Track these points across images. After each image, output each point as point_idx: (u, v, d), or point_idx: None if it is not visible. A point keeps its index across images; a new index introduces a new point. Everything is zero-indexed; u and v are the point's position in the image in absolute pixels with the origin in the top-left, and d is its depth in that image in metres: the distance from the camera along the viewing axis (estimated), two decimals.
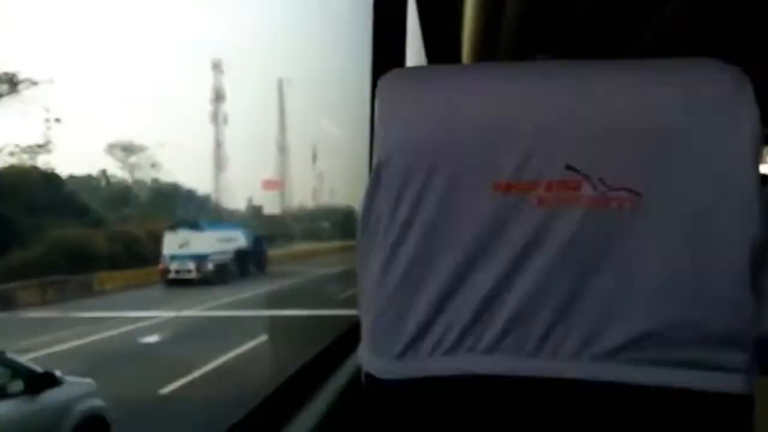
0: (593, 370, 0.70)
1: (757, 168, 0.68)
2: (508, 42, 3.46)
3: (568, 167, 0.70)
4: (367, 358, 0.77)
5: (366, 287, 0.77)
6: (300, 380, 1.52)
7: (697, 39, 2.82)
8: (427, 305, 0.73)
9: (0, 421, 3.67)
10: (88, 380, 4.40)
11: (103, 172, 17.00)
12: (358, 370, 0.80)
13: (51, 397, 3.95)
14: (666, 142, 0.69)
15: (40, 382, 4.00)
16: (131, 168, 17.23)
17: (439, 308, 0.73)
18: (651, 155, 0.69)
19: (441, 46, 3.64)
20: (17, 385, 3.87)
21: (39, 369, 4.18)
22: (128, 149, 17.19)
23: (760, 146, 0.69)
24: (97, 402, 4.20)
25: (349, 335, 1.84)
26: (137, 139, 16.85)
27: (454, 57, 3.70)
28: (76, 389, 4.25)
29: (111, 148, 16.87)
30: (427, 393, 0.73)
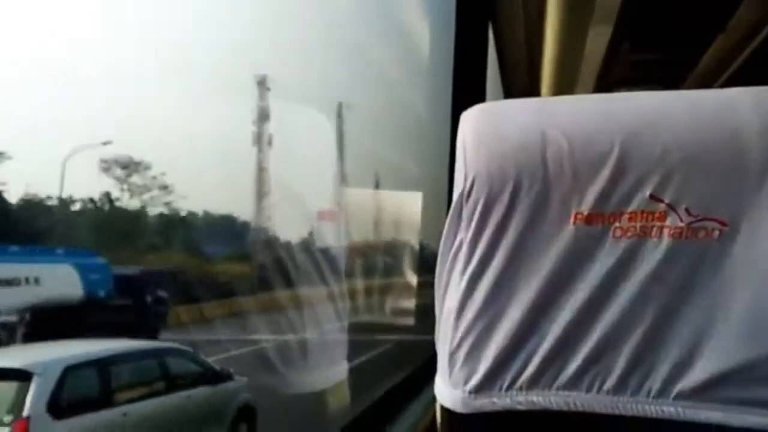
0: (678, 410, 0.67)
1: None
2: (588, 77, 3.47)
3: (653, 197, 0.69)
4: (443, 390, 0.76)
5: (443, 319, 0.77)
6: (377, 411, 1.54)
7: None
8: (505, 339, 0.72)
9: (196, 399, 5.24)
10: (244, 378, 5.86)
11: (107, 195, 14.24)
12: (434, 402, 0.80)
13: (224, 387, 5.55)
14: (754, 171, 0.68)
15: (218, 376, 5.60)
16: (135, 191, 14.64)
17: (518, 342, 0.72)
18: (738, 184, 0.68)
19: (519, 81, 3.69)
20: (205, 377, 5.48)
21: (217, 367, 5.83)
22: (129, 166, 14.67)
23: None
24: (249, 395, 5.79)
25: (426, 366, 1.85)
26: (147, 157, 14.20)
27: (532, 92, 3.73)
28: (239, 384, 5.76)
29: (108, 166, 14.15)
30: (504, 428, 0.73)
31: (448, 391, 0.75)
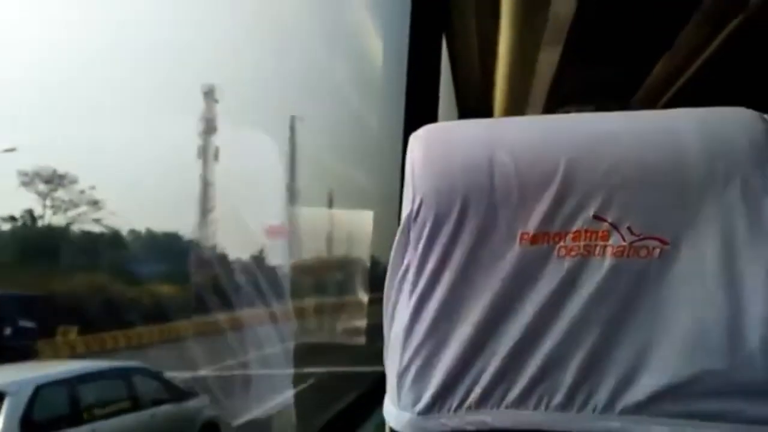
0: (623, 425, 0.68)
1: None
2: (540, 93, 3.52)
3: (596, 216, 0.70)
4: (392, 412, 0.76)
5: (392, 341, 0.77)
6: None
7: (722, 87, 2.84)
8: (453, 359, 0.72)
9: (161, 416, 5.52)
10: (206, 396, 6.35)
11: (29, 213, 12.63)
12: (383, 425, 0.79)
13: (188, 405, 5.93)
14: (695, 190, 0.69)
15: (181, 394, 5.99)
16: (60, 206, 12.97)
17: (465, 362, 0.72)
18: (680, 203, 0.69)
19: (473, 101, 3.71)
20: (169, 395, 5.81)
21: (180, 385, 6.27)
22: (53, 180, 12.92)
23: None
24: (213, 412, 6.23)
25: (375, 390, 1.83)
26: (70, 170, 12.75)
27: (485, 112, 3.76)
28: (203, 402, 6.20)
29: (29, 179, 12.46)
30: None
31: (397, 412, 0.75)
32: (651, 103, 3.21)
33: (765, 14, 2.37)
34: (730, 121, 0.73)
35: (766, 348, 0.66)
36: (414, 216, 0.74)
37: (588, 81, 3.07)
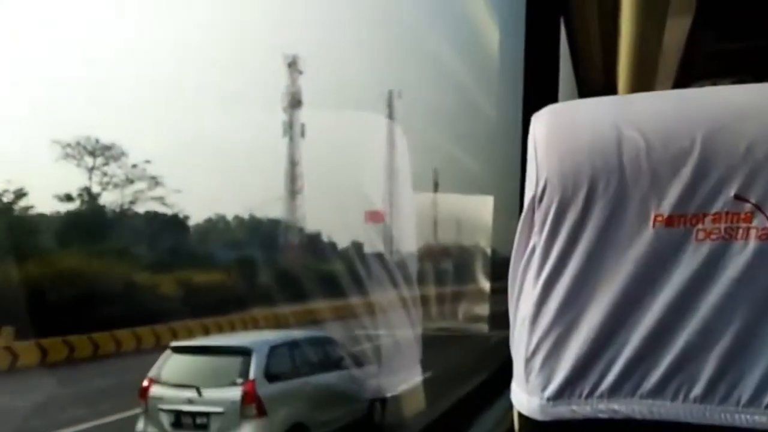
0: None
1: None
2: (668, 71, 3.33)
3: (738, 197, 0.66)
4: (520, 397, 0.75)
5: (518, 325, 0.76)
6: (451, 418, 1.54)
7: None
8: (583, 345, 0.70)
9: (347, 375, 6.87)
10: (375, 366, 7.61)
11: (87, 191, 10.66)
12: (510, 409, 0.79)
13: (366, 370, 7.25)
14: None
15: (359, 362, 7.27)
16: (115, 183, 11.08)
17: (597, 348, 0.70)
18: None
19: (594, 78, 3.58)
20: (351, 361, 7.07)
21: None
22: (98, 153, 10.96)
23: None
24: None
25: (501, 372, 1.84)
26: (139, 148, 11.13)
27: (608, 91, 3.61)
28: (373, 369, 7.51)
29: (73, 152, 10.59)
30: None
31: (526, 398, 0.74)
32: None
33: None
34: None
35: None
36: (539, 198, 0.73)
37: (722, 54, 2.87)
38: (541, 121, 0.77)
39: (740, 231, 0.66)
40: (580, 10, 2.72)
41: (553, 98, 1.93)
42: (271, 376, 5.87)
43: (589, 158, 0.71)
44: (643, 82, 3.39)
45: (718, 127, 0.68)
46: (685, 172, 0.68)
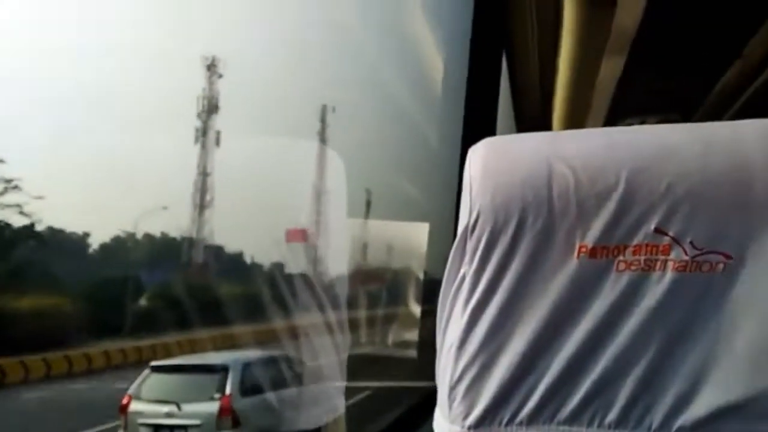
0: None
1: None
2: (601, 106, 3.46)
3: (657, 230, 0.69)
4: (442, 426, 0.76)
5: (444, 353, 0.76)
6: None
7: None
8: (506, 373, 0.71)
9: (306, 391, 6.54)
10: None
11: None
12: None
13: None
14: (760, 203, 0.67)
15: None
16: None
17: (519, 376, 0.71)
18: (743, 217, 0.68)
19: (532, 114, 3.68)
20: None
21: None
22: None
23: None
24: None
25: (425, 403, 1.83)
26: None
27: (544, 125, 3.72)
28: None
29: None
30: None
31: (447, 426, 0.74)
32: (718, 113, 3.11)
33: None
34: None
35: None
36: (471, 228, 0.74)
37: (651, 92, 3.00)
38: (477, 153, 0.79)
39: (659, 263, 0.69)
40: (522, 47, 2.80)
41: (491, 131, 1.96)
42: (244, 390, 6.40)
43: (521, 191, 0.73)
44: (577, 117, 3.50)
45: (642, 165, 0.71)
46: (610, 206, 0.70)
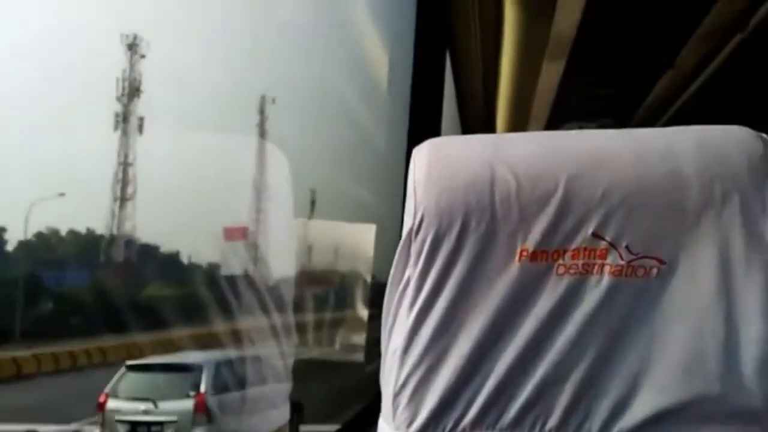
0: None
1: None
2: (542, 110, 3.54)
3: (595, 235, 0.70)
4: None
5: (389, 358, 0.76)
6: None
7: (722, 106, 2.86)
8: (450, 378, 0.71)
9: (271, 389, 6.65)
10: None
11: None
12: None
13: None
14: (693, 209, 0.69)
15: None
16: None
17: (462, 381, 0.71)
18: (678, 222, 0.69)
19: (476, 116, 3.73)
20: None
21: None
22: None
23: None
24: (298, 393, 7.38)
25: (371, 408, 1.82)
26: None
27: (488, 127, 3.78)
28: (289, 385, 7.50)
29: None
30: None
31: None
32: (652, 120, 3.23)
33: (764, 33, 2.40)
34: (728, 140, 0.73)
35: (762, 371, 0.66)
36: (415, 231, 0.74)
37: (590, 98, 3.10)
38: (421, 155, 0.79)
39: (596, 267, 0.70)
40: (465, 51, 2.83)
41: (435, 132, 1.98)
42: (216, 388, 6.56)
43: (464, 195, 0.74)
44: (519, 119, 3.57)
45: (580, 170, 0.72)
46: (549, 211, 0.71)
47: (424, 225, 0.74)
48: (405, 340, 0.74)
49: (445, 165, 0.78)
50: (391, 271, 0.77)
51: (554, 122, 3.59)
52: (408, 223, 0.75)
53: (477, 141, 0.82)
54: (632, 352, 0.69)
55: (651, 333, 0.69)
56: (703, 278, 0.68)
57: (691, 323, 0.68)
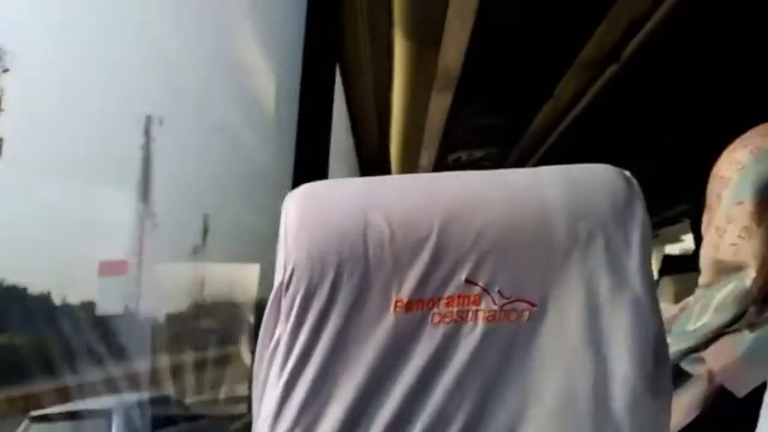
0: None
1: (650, 274, 0.70)
2: (433, 138, 3.61)
3: (468, 281, 0.69)
4: None
5: (260, 426, 0.72)
6: None
7: (598, 136, 3.03)
8: None
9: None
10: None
11: None
12: None
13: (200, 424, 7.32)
14: (560, 250, 0.69)
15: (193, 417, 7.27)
16: None
17: None
18: (547, 264, 0.69)
19: (371, 147, 3.74)
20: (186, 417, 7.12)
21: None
22: None
23: (650, 249, 0.71)
24: None
25: None
26: None
27: (382, 157, 3.81)
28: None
29: None
30: None
31: None
32: (533, 150, 3.38)
33: (636, 65, 2.55)
34: (594, 179, 0.74)
35: (632, 409, 0.67)
36: (285, 285, 0.70)
37: (478, 128, 3.19)
38: (293, 202, 0.75)
39: (470, 313, 0.69)
40: (357, 77, 2.83)
41: (322, 170, 1.94)
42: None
43: (337, 243, 0.71)
44: (412, 150, 3.63)
45: (453, 213, 0.71)
46: (423, 258, 0.69)
47: (294, 278, 0.70)
48: (276, 406, 0.69)
49: (317, 212, 0.74)
50: (261, 331, 0.72)
51: (445, 152, 3.68)
52: (278, 277, 0.71)
53: (352, 185, 0.80)
54: (509, 398, 0.68)
55: (526, 377, 0.69)
56: (572, 319, 0.68)
57: (563, 365, 0.68)
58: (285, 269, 0.71)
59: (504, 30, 2.33)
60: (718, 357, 0.93)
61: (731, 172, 0.98)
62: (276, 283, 0.71)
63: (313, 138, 1.94)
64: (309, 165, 1.84)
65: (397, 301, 0.69)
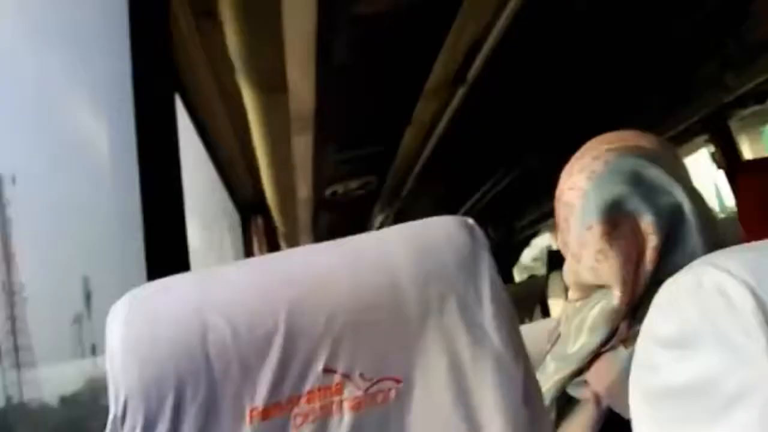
0: None
1: (507, 320, 0.68)
2: (305, 177, 3.57)
3: (326, 370, 0.64)
4: None
5: None
6: None
7: (459, 157, 3.11)
8: None
9: None
10: None
11: None
12: None
13: None
14: (416, 318, 0.66)
15: None
16: None
17: None
18: (404, 335, 0.66)
19: (246, 195, 3.63)
20: None
21: None
22: None
23: (504, 296, 0.69)
24: None
25: None
26: None
27: (261, 206, 3.72)
28: None
29: None
30: None
31: None
32: (406, 173, 3.43)
33: (481, 86, 2.63)
34: (437, 235, 0.71)
35: None
36: (120, 420, 0.61)
37: (345, 162, 3.19)
38: (117, 318, 0.65)
39: (334, 405, 0.63)
40: (216, 128, 2.73)
41: (182, 253, 1.81)
42: None
43: (173, 360, 0.62)
44: (287, 193, 3.57)
45: (299, 300, 0.65)
46: (274, 355, 0.63)
47: (129, 410, 0.61)
48: None
49: (145, 329, 0.64)
50: None
51: (320, 188, 3.65)
52: (112, 410, 0.62)
53: (184, 285, 0.70)
54: None
55: None
56: (439, 387, 0.65)
57: None
58: (116, 401, 0.61)
59: (349, 69, 2.33)
60: (599, 377, 0.93)
61: (573, 198, 0.98)
62: (110, 418, 0.63)
63: (161, 187, 1.75)
64: (163, 253, 1.68)
65: (252, 411, 0.62)
